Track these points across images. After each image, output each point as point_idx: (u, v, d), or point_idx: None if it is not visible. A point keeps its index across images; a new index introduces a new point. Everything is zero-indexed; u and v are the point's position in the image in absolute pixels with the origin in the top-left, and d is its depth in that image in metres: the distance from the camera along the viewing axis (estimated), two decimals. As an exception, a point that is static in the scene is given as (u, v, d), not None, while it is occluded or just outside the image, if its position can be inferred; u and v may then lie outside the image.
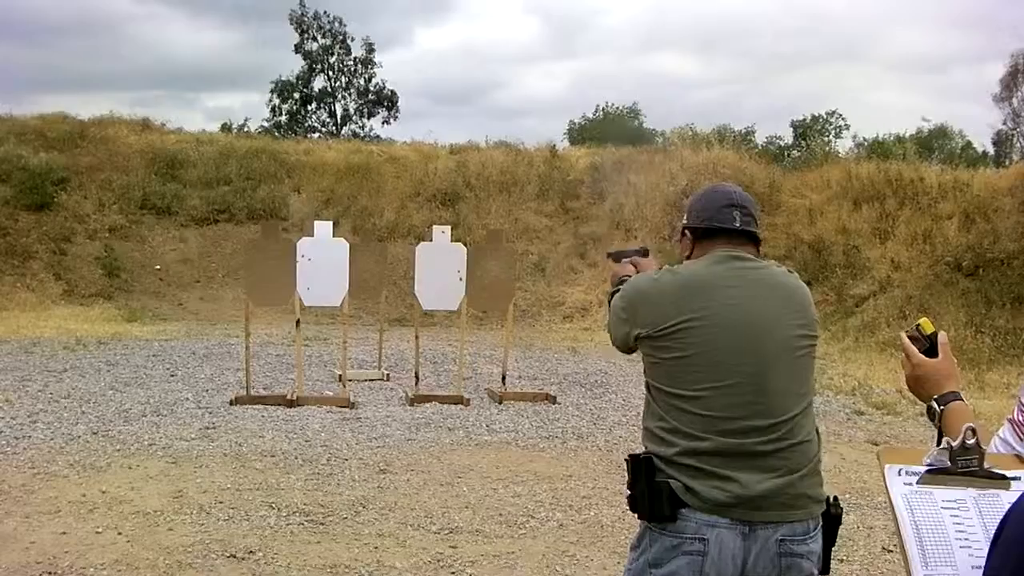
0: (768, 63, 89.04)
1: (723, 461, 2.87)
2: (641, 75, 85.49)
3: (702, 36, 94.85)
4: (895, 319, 16.73)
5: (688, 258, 3.21)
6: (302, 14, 52.08)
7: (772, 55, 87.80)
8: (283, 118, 52.05)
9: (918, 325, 2.45)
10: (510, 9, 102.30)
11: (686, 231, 3.23)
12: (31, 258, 20.72)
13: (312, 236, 11.59)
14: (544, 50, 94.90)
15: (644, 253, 3.75)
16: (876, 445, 9.98)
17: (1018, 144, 44.85)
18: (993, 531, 1.48)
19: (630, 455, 3.05)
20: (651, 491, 2.92)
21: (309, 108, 53.35)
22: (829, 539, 2.99)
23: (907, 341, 2.42)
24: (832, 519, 3.00)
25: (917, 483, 1.95)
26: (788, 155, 39.63)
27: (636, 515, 3.01)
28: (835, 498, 3.04)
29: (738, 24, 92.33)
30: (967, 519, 1.87)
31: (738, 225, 3.12)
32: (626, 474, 3.04)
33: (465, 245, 12.44)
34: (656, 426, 3.00)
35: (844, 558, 6.48)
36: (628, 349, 3.18)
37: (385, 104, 53.39)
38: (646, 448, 3.02)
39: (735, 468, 2.86)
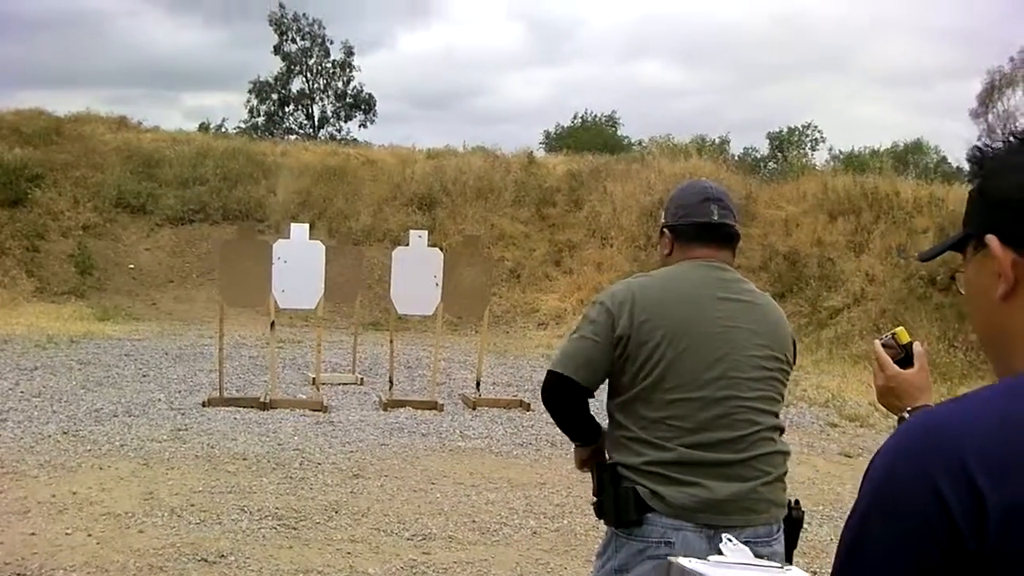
0: (749, 74, 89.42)
1: (689, 469, 2.91)
2: (622, 84, 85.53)
3: (684, 46, 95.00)
4: (869, 332, 16.80)
5: (668, 256, 3.21)
6: (281, 16, 51.94)
7: (753, 66, 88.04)
8: (261, 119, 51.89)
9: (893, 334, 2.37)
10: (493, 15, 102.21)
11: (665, 230, 3.24)
12: (3, 254, 20.55)
13: (288, 238, 11.55)
14: (526, 57, 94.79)
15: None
16: (849, 457, 10.03)
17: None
18: None
19: (595, 463, 3.10)
20: (617, 496, 2.96)
21: (287, 109, 53.20)
22: (791, 541, 3.06)
23: (880, 350, 2.34)
24: (793, 522, 3.07)
25: None
26: (764, 167, 39.78)
27: (602, 521, 3.06)
28: (796, 501, 3.11)
29: (720, 35, 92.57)
30: None
31: (716, 218, 3.14)
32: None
33: (441, 250, 12.41)
34: (620, 434, 3.03)
35: (817, 571, 6.48)
36: (597, 380, 3.06)
37: (363, 107, 53.31)
38: (611, 456, 3.07)
39: (701, 475, 2.91)
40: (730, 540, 2.38)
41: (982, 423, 1.16)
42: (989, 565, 1.11)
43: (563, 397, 3.10)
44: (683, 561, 2.36)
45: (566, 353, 3.07)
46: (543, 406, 3.20)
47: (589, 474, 3.21)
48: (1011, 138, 1.32)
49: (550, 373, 3.08)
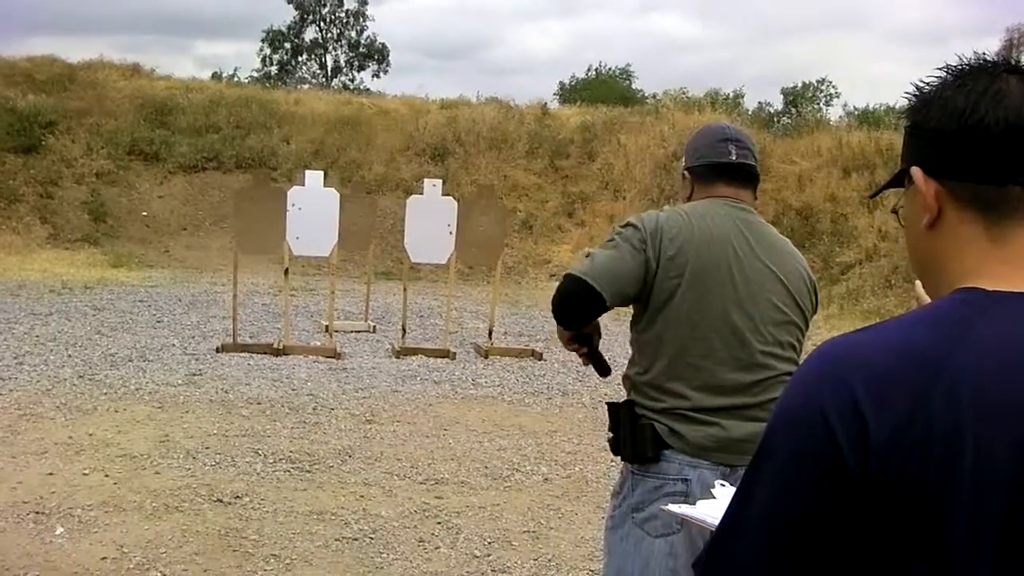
0: (764, 29, 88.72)
1: (707, 412, 2.92)
2: (637, 37, 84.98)
3: (699, 0, 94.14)
4: (880, 288, 16.81)
5: (689, 199, 3.16)
6: (295, -36, 51.68)
7: (768, 21, 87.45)
8: (273, 68, 51.80)
9: None
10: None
11: (685, 172, 3.20)
12: (17, 201, 20.59)
13: (302, 186, 11.55)
14: (541, 7, 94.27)
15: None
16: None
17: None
18: None
19: (608, 403, 3.11)
20: (635, 432, 2.97)
21: (300, 59, 53.10)
22: None
23: (921, 290, 2.37)
24: None
25: None
26: (778, 121, 39.56)
27: (619, 458, 3.07)
28: None
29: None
30: None
31: (734, 158, 3.09)
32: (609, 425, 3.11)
33: (455, 200, 12.40)
34: (639, 376, 3.02)
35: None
36: (620, 299, 2.96)
37: (376, 57, 53.17)
38: (628, 395, 3.06)
39: (719, 416, 2.92)
40: (723, 484, 2.40)
41: (878, 351, 1.22)
42: (873, 490, 1.17)
43: (581, 308, 2.99)
44: (672, 507, 2.42)
45: (598, 262, 2.94)
46: (551, 309, 3.07)
47: (575, 352, 3.20)
48: (945, 74, 1.35)
49: (574, 279, 2.93)
